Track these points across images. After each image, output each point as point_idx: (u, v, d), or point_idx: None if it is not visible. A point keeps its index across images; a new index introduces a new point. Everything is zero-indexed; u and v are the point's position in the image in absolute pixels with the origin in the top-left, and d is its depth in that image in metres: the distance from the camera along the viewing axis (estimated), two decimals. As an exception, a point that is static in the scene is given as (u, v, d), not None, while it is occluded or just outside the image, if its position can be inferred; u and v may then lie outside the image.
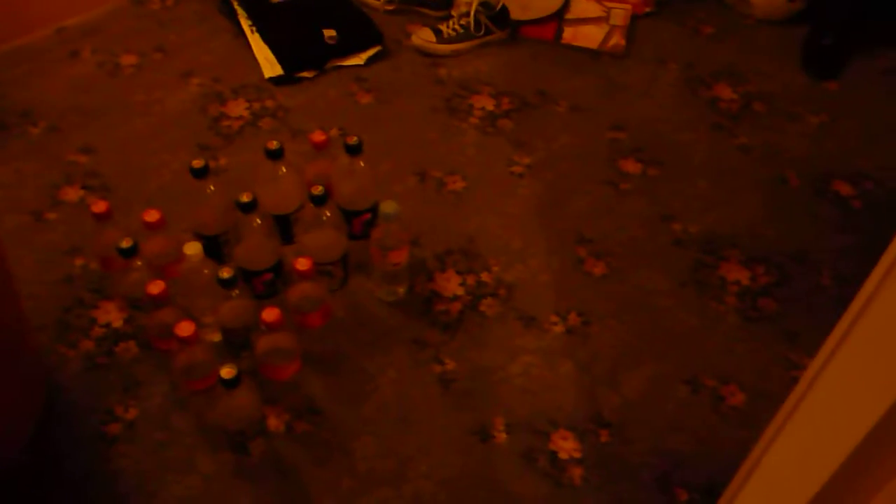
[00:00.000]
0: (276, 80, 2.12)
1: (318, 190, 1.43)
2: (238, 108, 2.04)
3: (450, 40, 2.23)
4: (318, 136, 1.65)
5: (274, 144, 1.48)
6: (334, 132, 1.97)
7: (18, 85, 2.09)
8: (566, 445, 1.44)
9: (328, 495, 1.37)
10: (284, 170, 1.52)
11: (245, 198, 1.40)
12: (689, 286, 1.71)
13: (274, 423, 1.44)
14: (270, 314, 1.31)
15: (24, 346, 1.43)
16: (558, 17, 2.33)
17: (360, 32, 2.24)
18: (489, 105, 2.10)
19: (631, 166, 1.95)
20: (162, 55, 2.19)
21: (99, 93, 2.08)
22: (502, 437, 1.45)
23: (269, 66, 2.14)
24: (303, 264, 1.38)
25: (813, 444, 0.76)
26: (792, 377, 1.55)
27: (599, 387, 1.53)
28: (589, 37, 2.28)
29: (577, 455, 1.43)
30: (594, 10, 2.34)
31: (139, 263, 1.37)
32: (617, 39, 2.27)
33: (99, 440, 1.42)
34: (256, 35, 2.21)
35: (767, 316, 1.65)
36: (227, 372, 1.22)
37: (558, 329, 1.62)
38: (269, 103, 2.06)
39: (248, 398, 1.29)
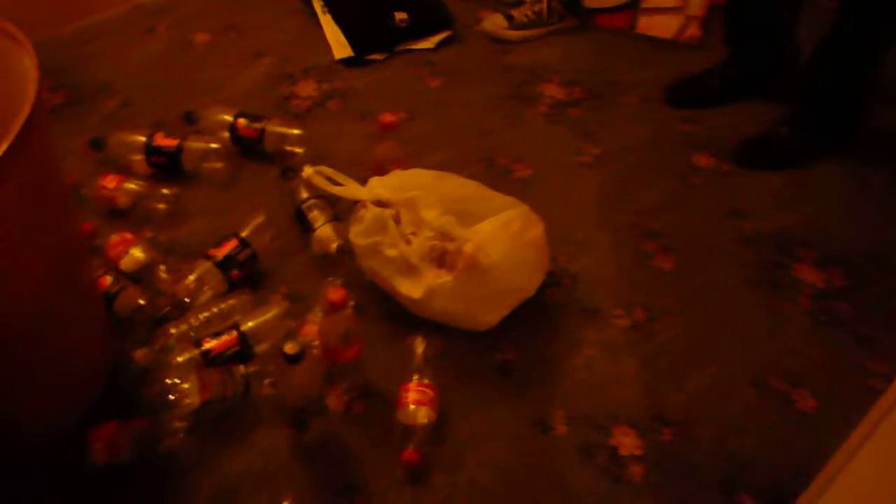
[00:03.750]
0: (346, 62, 2.12)
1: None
2: (307, 89, 2.05)
3: (521, 26, 2.21)
4: (387, 118, 1.64)
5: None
6: (402, 115, 1.96)
7: (96, 59, 2.13)
8: (627, 442, 1.41)
9: (383, 478, 1.37)
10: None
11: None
12: (759, 285, 1.65)
13: (333, 402, 1.44)
14: (336, 293, 1.31)
15: (97, 315, 1.46)
16: (633, 6, 2.28)
17: (432, 16, 2.22)
18: (559, 93, 2.06)
19: (703, 160, 1.90)
20: (235, 34, 2.21)
21: (172, 69, 2.11)
22: (562, 429, 1.43)
23: (340, 47, 2.15)
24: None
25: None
26: (867, 385, 1.49)
27: (663, 384, 1.49)
28: (664, 26, 2.23)
29: (639, 452, 1.39)
30: (670, 0, 2.28)
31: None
32: (693, 30, 2.21)
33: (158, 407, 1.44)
34: (328, 16, 2.22)
35: (841, 320, 1.59)
36: (290, 347, 1.22)
37: (623, 323, 1.58)
38: (339, 84, 2.06)
39: (309, 375, 1.30)
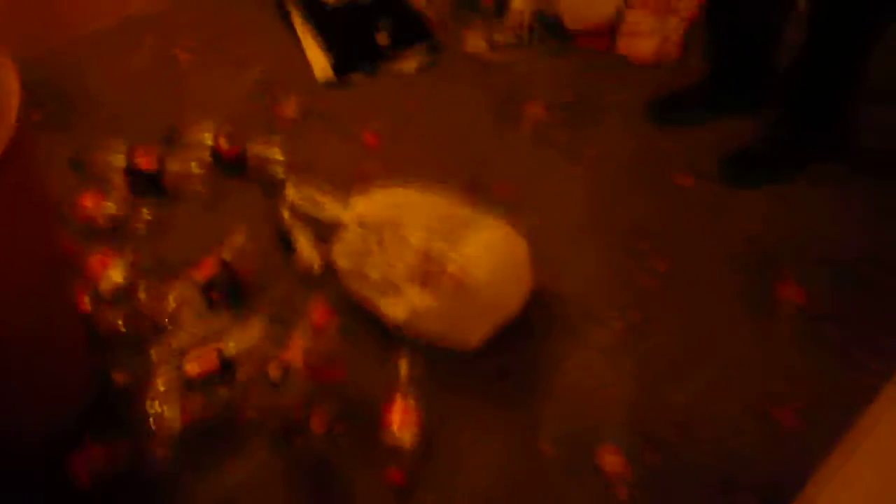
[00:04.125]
0: (329, 82, 2.12)
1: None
2: (291, 106, 2.05)
3: (503, 48, 2.22)
4: (370, 137, 1.65)
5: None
6: (385, 134, 1.96)
7: (83, 73, 2.13)
8: (614, 460, 1.40)
9: (369, 499, 1.36)
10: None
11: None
12: (746, 299, 1.66)
13: (317, 423, 1.43)
14: (319, 313, 1.30)
15: (76, 334, 1.44)
16: (612, 28, 2.30)
17: (413, 37, 2.23)
18: (541, 113, 2.07)
19: (687, 177, 1.91)
20: (219, 50, 2.21)
21: (157, 83, 2.11)
22: (549, 448, 1.42)
23: (322, 68, 2.14)
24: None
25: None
26: (862, 384, 1.48)
27: (650, 402, 1.49)
28: (643, 47, 2.25)
29: (625, 471, 1.39)
30: (648, 22, 2.30)
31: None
32: (671, 50, 2.23)
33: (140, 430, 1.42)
34: (310, 37, 2.21)
35: (828, 330, 1.59)
36: (273, 369, 1.21)
37: (609, 339, 1.58)
38: (322, 103, 2.06)
39: (292, 397, 1.28)
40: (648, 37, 2.25)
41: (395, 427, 1.36)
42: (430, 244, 1.44)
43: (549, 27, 2.22)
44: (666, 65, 2.21)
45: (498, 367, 1.53)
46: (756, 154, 1.92)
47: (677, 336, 1.60)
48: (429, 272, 1.44)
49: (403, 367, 1.46)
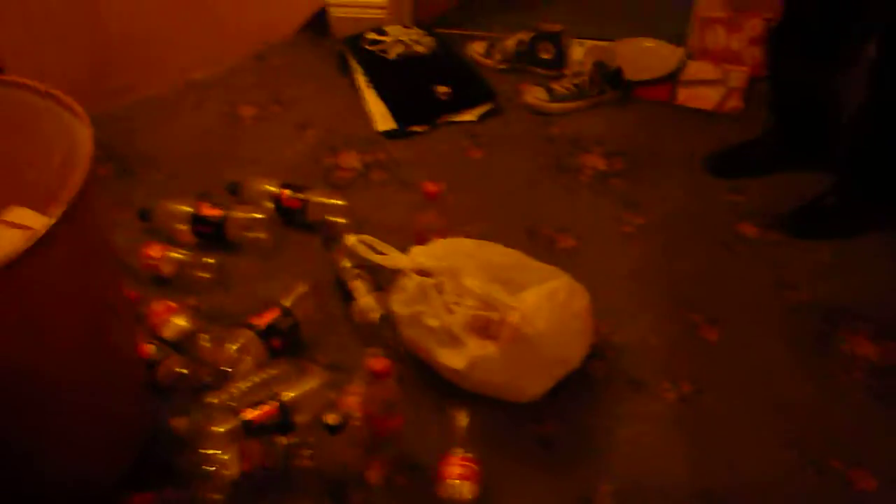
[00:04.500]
0: (389, 134, 2.15)
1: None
2: (350, 160, 2.08)
3: (562, 99, 2.23)
4: (430, 187, 1.65)
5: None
6: (444, 185, 1.96)
7: (145, 133, 2.19)
8: (681, 514, 1.35)
9: (424, 554, 1.33)
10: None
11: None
12: (809, 358, 1.60)
13: (374, 475, 1.41)
14: (378, 363, 1.29)
15: (136, 382, 1.46)
16: (674, 79, 2.29)
17: (473, 89, 2.26)
18: (601, 164, 2.06)
19: (748, 230, 1.87)
20: (280, 107, 2.26)
21: (218, 142, 2.16)
22: (616, 493, 1.38)
23: (383, 119, 2.18)
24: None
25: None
26: None
27: (712, 460, 1.44)
28: (705, 98, 2.23)
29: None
30: (711, 73, 2.30)
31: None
32: (734, 102, 2.21)
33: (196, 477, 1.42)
34: (371, 89, 2.26)
35: (900, 395, 1.53)
36: (331, 418, 1.20)
37: (669, 396, 1.54)
38: (381, 155, 2.09)
39: (349, 447, 1.27)
40: (711, 87, 2.24)
41: (452, 480, 1.34)
42: (490, 293, 1.43)
43: (609, 78, 2.23)
44: (728, 116, 2.19)
45: (551, 422, 1.49)
46: (825, 207, 1.87)
47: (739, 396, 1.54)
48: (489, 322, 1.42)
49: (462, 419, 1.43)
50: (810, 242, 1.83)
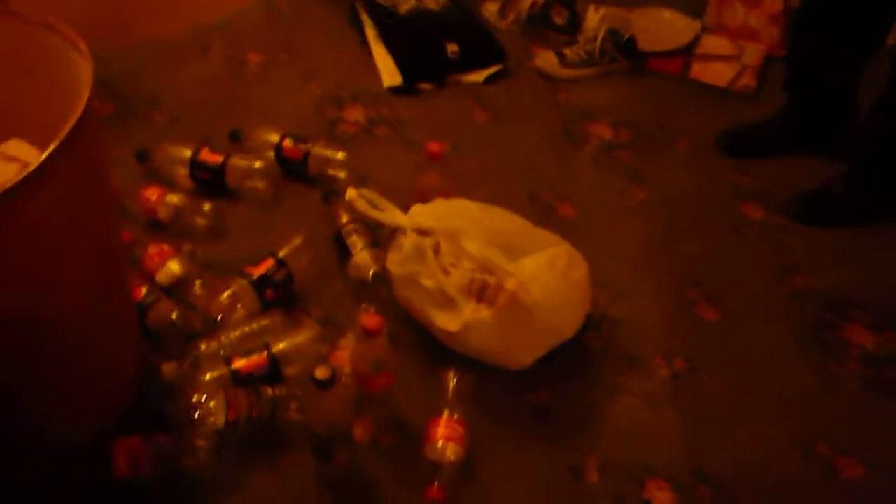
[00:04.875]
0: (395, 90, 2.12)
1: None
2: (355, 114, 2.05)
3: (573, 65, 2.19)
4: (434, 147, 1.63)
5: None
6: (448, 146, 1.94)
7: (149, 75, 2.15)
8: (662, 496, 1.35)
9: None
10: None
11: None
12: (807, 344, 1.59)
13: (360, 432, 1.40)
14: (370, 320, 1.28)
15: (132, 326, 1.45)
16: (687, 52, 2.25)
17: (483, 49, 2.22)
18: (607, 134, 2.03)
19: (754, 211, 1.85)
20: (287, 56, 2.22)
21: (222, 88, 2.12)
22: (594, 477, 1.37)
23: (390, 75, 2.14)
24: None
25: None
26: None
27: (703, 439, 1.43)
28: (718, 74, 2.20)
29: (688, 491, 1.34)
30: (726, 48, 2.26)
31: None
32: (748, 79, 2.17)
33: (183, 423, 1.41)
34: (380, 44, 2.21)
35: (893, 387, 1.52)
36: (321, 372, 1.19)
37: (664, 373, 1.53)
38: (387, 111, 2.06)
39: (338, 403, 1.26)
40: (725, 63, 2.20)
41: (439, 442, 1.33)
42: (488, 257, 1.41)
43: (621, 47, 2.18)
44: (740, 94, 2.15)
45: (545, 392, 1.49)
46: (832, 194, 1.85)
47: (733, 377, 1.53)
48: (485, 286, 1.41)
49: (452, 381, 1.43)
50: (815, 228, 1.81)
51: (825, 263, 1.74)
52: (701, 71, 2.21)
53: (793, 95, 1.96)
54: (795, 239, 1.79)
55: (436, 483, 1.31)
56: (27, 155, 1.23)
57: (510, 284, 1.38)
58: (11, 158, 1.24)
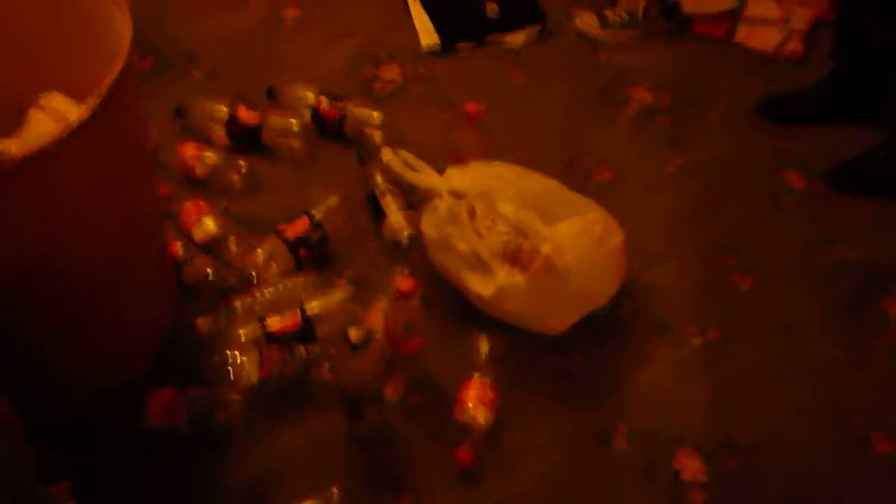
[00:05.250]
0: (432, 49, 2.09)
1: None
2: (391, 72, 2.03)
3: (614, 26, 2.14)
4: (471, 107, 1.61)
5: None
6: (485, 107, 1.91)
7: (189, 29, 2.14)
8: (691, 465, 1.35)
9: (433, 474, 1.34)
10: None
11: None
12: (843, 316, 1.57)
13: (391, 392, 1.42)
14: (404, 282, 1.28)
15: (165, 279, 1.47)
16: (733, 15, 2.19)
17: (523, 9, 2.18)
18: (647, 98, 2.00)
19: (794, 179, 1.81)
20: (323, 12, 2.20)
21: (260, 42, 2.11)
22: (623, 444, 1.38)
23: (428, 33, 2.11)
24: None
25: None
26: None
27: (734, 409, 1.43)
28: (764, 38, 2.14)
29: (702, 478, 1.34)
30: (773, 11, 2.19)
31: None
32: (795, 44, 2.11)
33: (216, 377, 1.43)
34: (418, 3, 2.19)
35: (931, 362, 1.50)
36: (354, 333, 1.20)
37: (695, 341, 1.52)
38: (423, 71, 2.04)
39: (369, 363, 1.27)
40: (772, 27, 2.14)
41: (470, 405, 1.34)
42: (524, 220, 1.40)
43: (665, 9, 2.13)
44: (786, 60, 2.09)
45: (575, 357, 1.48)
46: (874, 162, 1.80)
47: (767, 346, 1.52)
48: (520, 249, 1.40)
49: (484, 345, 1.43)
50: (854, 199, 1.77)
51: (864, 235, 1.71)
52: (747, 35, 2.15)
53: (840, 62, 1.90)
54: (834, 209, 1.76)
55: (465, 445, 1.32)
56: (66, 108, 1.24)
57: (545, 249, 1.37)
58: (52, 111, 1.25)
